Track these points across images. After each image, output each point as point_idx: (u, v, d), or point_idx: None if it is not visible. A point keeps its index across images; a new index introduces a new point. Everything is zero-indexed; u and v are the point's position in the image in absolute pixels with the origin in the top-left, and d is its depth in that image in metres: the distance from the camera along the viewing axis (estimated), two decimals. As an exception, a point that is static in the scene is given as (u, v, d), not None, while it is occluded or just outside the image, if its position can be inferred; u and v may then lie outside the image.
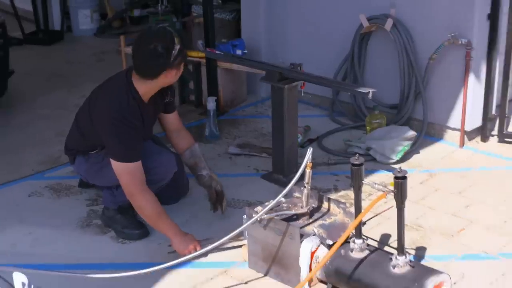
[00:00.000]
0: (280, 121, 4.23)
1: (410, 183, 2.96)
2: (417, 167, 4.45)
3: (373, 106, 4.91)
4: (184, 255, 3.29)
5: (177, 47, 3.37)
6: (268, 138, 4.60)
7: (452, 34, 4.55)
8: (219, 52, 4.92)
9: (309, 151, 3.22)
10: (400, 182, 2.94)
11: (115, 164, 3.43)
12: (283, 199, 3.36)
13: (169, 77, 3.45)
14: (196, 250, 3.40)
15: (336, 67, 5.20)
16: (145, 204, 3.45)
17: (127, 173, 3.42)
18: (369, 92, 3.89)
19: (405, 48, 4.78)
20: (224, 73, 5.44)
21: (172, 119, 3.85)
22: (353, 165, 3.06)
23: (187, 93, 5.60)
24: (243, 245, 3.45)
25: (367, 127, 4.87)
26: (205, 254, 3.42)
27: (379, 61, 5.07)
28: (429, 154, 4.66)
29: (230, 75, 5.50)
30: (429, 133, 4.85)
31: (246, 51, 5.49)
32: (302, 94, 4.32)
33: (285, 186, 3.29)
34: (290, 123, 4.24)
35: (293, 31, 5.55)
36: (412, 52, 4.78)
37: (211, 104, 4.98)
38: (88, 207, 4.02)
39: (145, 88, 3.47)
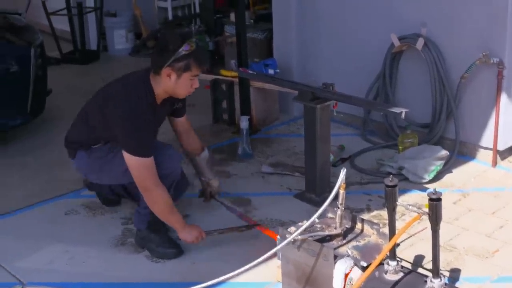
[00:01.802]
0: (313, 140, 4.18)
1: (443, 203, 2.88)
2: (450, 187, 4.36)
3: (405, 125, 4.83)
4: (193, 243, 3.53)
5: (184, 51, 3.34)
6: (301, 157, 4.55)
7: (484, 53, 4.46)
8: (252, 72, 4.90)
9: (343, 172, 3.15)
10: (435, 204, 2.86)
11: (131, 159, 3.37)
12: (316, 220, 3.29)
13: (171, 81, 3.39)
14: (202, 238, 3.58)
15: (368, 86, 5.13)
16: (160, 198, 3.45)
17: (143, 168, 3.38)
18: (401, 112, 3.83)
19: (436, 67, 4.70)
20: (257, 92, 5.40)
21: (181, 122, 3.88)
22: (387, 186, 2.99)
23: (220, 112, 5.57)
24: (278, 266, 3.39)
25: (399, 146, 4.79)
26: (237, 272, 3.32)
27: (411, 80, 4.99)
28: (461, 173, 4.56)
29: (263, 94, 5.46)
30: (461, 152, 4.75)
31: (278, 70, 5.45)
32: (335, 114, 4.27)
33: (318, 205, 3.23)
34: (322, 142, 4.19)
35: (325, 50, 5.51)
36: (443, 71, 4.70)
37: (244, 123, 4.94)
38: (123, 225, 4.00)
39: (158, 88, 3.45)
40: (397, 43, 4.88)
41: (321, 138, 4.17)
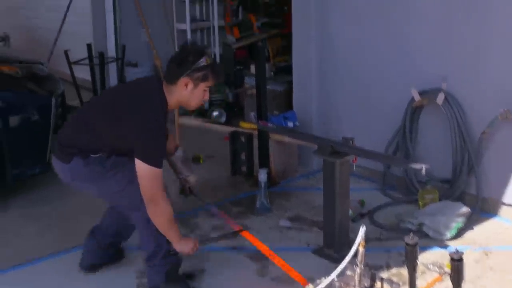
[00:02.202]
0: (332, 194, 4.13)
1: (465, 261, 2.80)
2: (472, 244, 4.27)
3: (426, 180, 4.77)
4: (189, 254, 3.61)
5: (203, 62, 3.47)
6: (320, 211, 4.49)
7: (505, 109, 4.43)
8: (271, 125, 4.89)
9: (362, 230, 3.10)
10: (457, 264, 2.81)
11: (144, 168, 3.34)
12: (335, 278, 3.23)
13: (187, 90, 3.48)
14: (197, 249, 3.65)
15: (388, 140, 5.10)
16: (165, 211, 3.45)
17: (154, 178, 3.37)
18: (422, 168, 3.78)
19: (457, 122, 4.67)
20: (276, 145, 5.38)
21: None
22: (407, 245, 2.94)
23: (239, 164, 5.55)
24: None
25: (420, 202, 4.73)
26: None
27: (431, 135, 4.96)
28: (483, 230, 4.47)
29: (282, 147, 5.44)
30: (483, 209, 4.67)
31: (297, 123, 5.44)
32: (354, 168, 4.23)
33: (336, 262, 3.18)
34: (341, 197, 4.14)
35: (345, 103, 5.51)
36: (464, 126, 4.66)
37: (262, 176, 4.91)
38: (137, 279, 3.94)
39: (171, 98, 3.51)
40: (417, 97, 4.86)
41: (340, 192, 4.12)
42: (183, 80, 3.47)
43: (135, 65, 8.03)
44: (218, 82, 3.69)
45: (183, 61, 3.48)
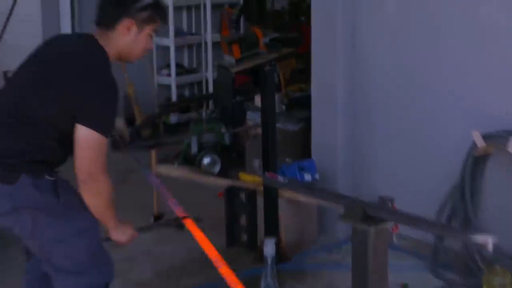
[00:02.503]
0: (364, 275, 4.11)
1: None
2: None
3: (493, 258, 4.75)
4: (124, 244, 3.80)
5: (148, 0, 3.68)
6: (346, 299, 4.48)
7: None
8: (281, 178, 4.87)
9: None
10: None
11: (92, 137, 3.46)
12: None
13: (130, 36, 3.66)
14: (135, 236, 3.84)
15: (440, 202, 5.11)
16: (106, 188, 3.58)
17: (100, 149, 3.51)
18: (488, 240, 3.76)
19: (537, 179, 4.67)
20: (288, 206, 5.40)
21: None
22: None
23: (237, 232, 5.55)
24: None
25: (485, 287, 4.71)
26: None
27: (500, 195, 4.96)
28: None
29: (296, 209, 5.45)
30: None
31: (317, 177, 5.44)
32: (394, 240, 4.22)
33: None
34: (377, 278, 4.12)
35: (381, 150, 5.55)
36: (546, 184, 4.67)
37: (269, 248, 4.87)
38: None
39: (109, 48, 3.67)
40: (481, 143, 4.87)
41: (375, 272, 4.11)
42: (124, 22, 3.65)
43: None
44: (164, 25, 3.90)
45: (120, 1, 3.69)
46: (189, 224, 4.08)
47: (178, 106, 8.23)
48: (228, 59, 7.95)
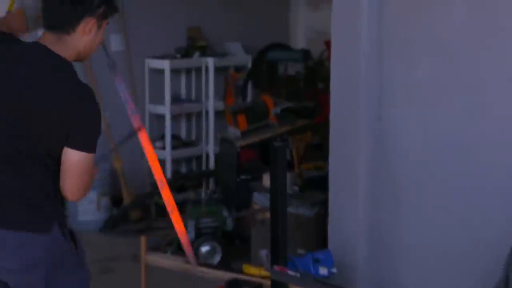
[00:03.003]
0: None
1: None
2: None
3: None
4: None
5: None
6: None
7: None
8: (292, 273, 4.82)
9: None
10: None
11: (86, 159, 3.68)
12: None
13: (90, 35, 3.78)
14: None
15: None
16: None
17: (90, 168, 3.75)
18: None
19: None
20: (300, 305, 5.30)
21: None
22: None
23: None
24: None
25: None
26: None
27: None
28: None
29: (309, 309, 5.35)
30: None
31: (334, 270, 5.36)
32: None
33: None
34: None
35: (411, 241, 5.50)
36: None
37: None
38: None
39: (68, 54, 3.76)
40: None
41: None
42: (85, 22, 3.75)
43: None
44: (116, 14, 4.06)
45: (74, 1, 3.75)
46: (142, 134, 4.40)
47: (173, 184, 8.18)
48: (233, 131, 7.99)
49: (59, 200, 3.78)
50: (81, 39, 3.78)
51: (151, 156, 4.31)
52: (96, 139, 3.72)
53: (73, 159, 3.65)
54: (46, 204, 3.74)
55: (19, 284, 3.71)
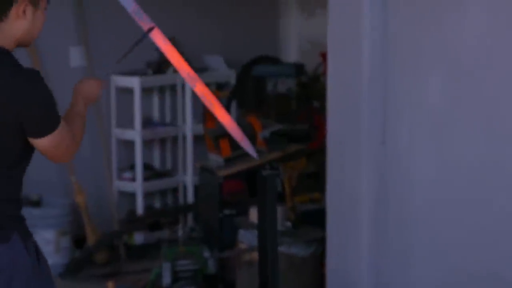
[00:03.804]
0: None
1: None
2: None
3: None
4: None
5: None
6: None
7: None
8: (285, 321, 4.89)
9: None
10: None
11: (55, 136, 3.84)
12: None
13: (27, 19, 3.90)
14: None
15: None
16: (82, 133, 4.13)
17: (67, 133, 3.93)
18: None
19: None
20: None
21: None
22: None
23: None
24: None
25: None
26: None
27: None
28: None
29: None
30: None
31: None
32: None
33: None
34: None
35: (419, 283, 5.58)
36: None
37: None
38: None
39: (7, 43, 3.90)
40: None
41: None
42: (18, 6, 3.85)
43: (37, 204, 8.09)
44: None
45: None
46: (156, 33, 4.56)
47: (145, 221, 8.23)
48: (215, 159, 8.03)
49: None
50: (17, 26, 3.91)
51: (173, 55, 4.38)
52: (55, 113, 3.85)
53: (45, 145, 3.84)
54: (5, 213, 3.85)
55: None
